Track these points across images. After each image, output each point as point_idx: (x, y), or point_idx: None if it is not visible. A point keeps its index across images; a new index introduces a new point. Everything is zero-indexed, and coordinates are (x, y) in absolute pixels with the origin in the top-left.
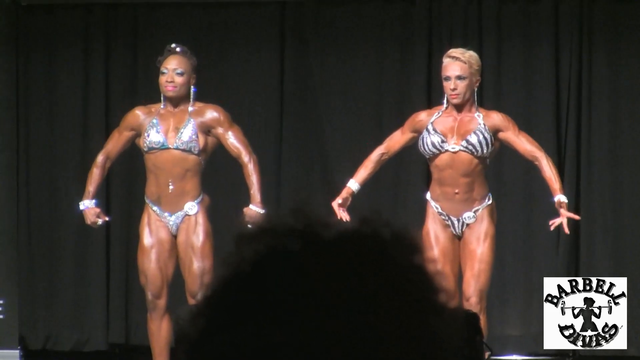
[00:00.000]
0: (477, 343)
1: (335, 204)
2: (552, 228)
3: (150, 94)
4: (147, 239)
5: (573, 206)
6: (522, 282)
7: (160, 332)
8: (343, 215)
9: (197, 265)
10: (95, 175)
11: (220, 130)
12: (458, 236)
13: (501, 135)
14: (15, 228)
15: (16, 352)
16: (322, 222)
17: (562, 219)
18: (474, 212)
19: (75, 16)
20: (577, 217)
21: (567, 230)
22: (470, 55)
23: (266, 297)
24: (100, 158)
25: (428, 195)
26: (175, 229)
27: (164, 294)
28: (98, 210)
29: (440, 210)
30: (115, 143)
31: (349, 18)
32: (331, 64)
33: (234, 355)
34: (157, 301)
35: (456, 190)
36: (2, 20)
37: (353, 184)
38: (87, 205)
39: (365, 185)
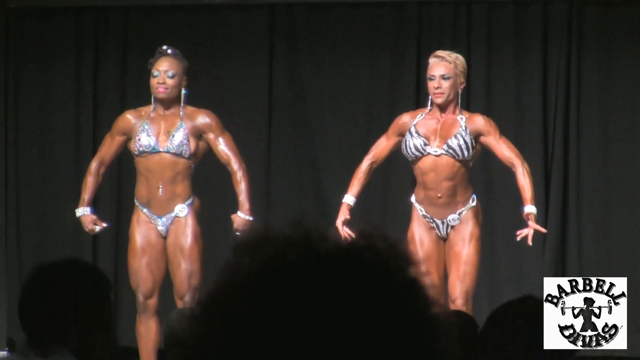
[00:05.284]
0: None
1: (339, 223)
2: (518, 239)
3: (140, 97)
4: (137, 241)
5: (560, 207)
6: (512, 284)
7: (149, 334)
8: (348, 233)
9: (185, 267)
10: (89, 183)
11: (211, 135)
12: (443, 238)
13: (482, 139)
14: (4, 231)
15: (4, 354)
16: (320, 234)
17: (529, 231)
18: (459, 214)
19: (65, 20)
20: (543, 230)
21: (530, 243)
22: (456, 57)
23: (263, 307)
24: (94, 165)
25: (413, 198)
26: (165, 231)
27: (155, 295)
28: (94, 217)
29: (424, 213)
30: (108, 148)
31: (338, 23)
32: (321, 69)
33: (218, 333)
34: (148, 302)
35: (439, 194)
36: None
37: (349, 199)
38: (83, 212)
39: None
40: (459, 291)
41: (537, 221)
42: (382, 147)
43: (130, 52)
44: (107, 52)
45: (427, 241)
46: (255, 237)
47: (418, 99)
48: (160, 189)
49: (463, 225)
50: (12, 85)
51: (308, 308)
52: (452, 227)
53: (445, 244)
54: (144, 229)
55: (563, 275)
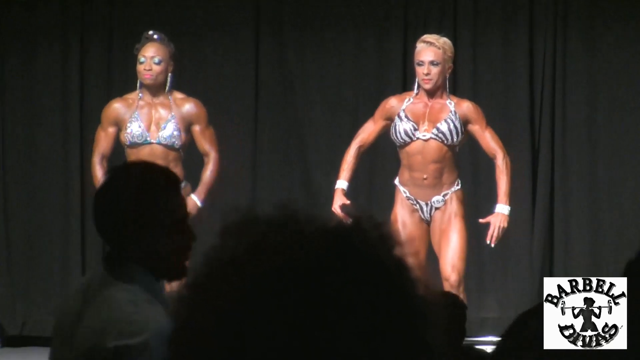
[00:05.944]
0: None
1: (336, 207)
2: (493, 245)
3: (126, 83)
4: None
5: (548, 197)
6: (499, 268)
7: None
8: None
9: None
10: (100, 176)
11: (197, 127)
12: (427, 221)
13: (469, 127)
14: None
15: None
16: (305, 216)
17: (492, 231)
18: (443, 196)
19: (51, 6)
20: (490, 236)
21: (493, 244)
22: (445, 41)
23: (249, 289)
24: (96, 160)
25: (397, 180)
26: None
27: None
28: None
29: (408, 194)
30: (104, 142)
31: (324, 6)
32: (306, 52)
33: (217, 345)
34: None
35: (425, 176)
36: None
37: (342, 184)
38: None
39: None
40: (451, 269)
41: (523, 215)
42: (369, 131)
43: (116, 38)
44: (93, 37)
45: (409, 223)
46: (241, 220)
47: (405, 82)
48: None
49: (447, 205)
50: None
51: (293, 290)
52: (436, 208)
53: (430, 227)
54: None
55: (550, 264)
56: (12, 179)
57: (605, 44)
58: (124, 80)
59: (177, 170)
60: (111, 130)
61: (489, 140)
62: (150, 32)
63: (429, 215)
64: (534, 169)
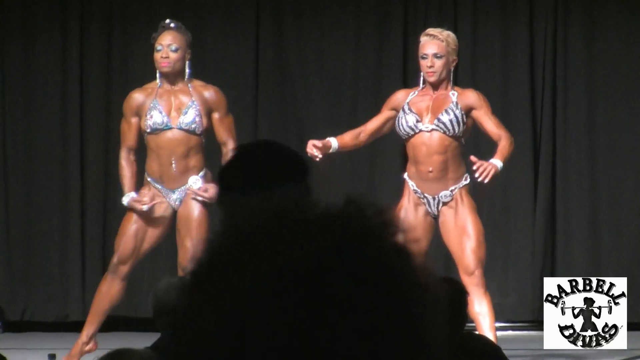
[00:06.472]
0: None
1: (310, 142)
2: (482, 177)
3: (125, 81)
4: (143, 207)
5: (550, 191)
6: (500, 257)
7: (108, 292)
8: (316, 153)
9: (194, 237)
10: (125, 172)
11: (216, 115)
12: (433, 215)
13: (473, 113)
14: None
15: None
16: (309, 202)
17: (485, 168)
18: (451, 191)
19: (50, 3)
20: (481, 171)
21: (485, 179)
22: (448, 34)
23: (248, 289)
24: (123, 154)
25: (405, 174)
26: (178, 203)
27: (129, 263)
28: (138, 197)
29: (415, 188)
30: (129, 134)
31: (324, 2)
32: (306, 43)
33: (217, 345)
34: (120, 267)
35: (430, 169)
36: None
37: (333, 141)
38: (128, 198)
39: (345, 167)
40: (475, 263)
41: (525, 212)
42: (373, 119)
43: (116, 37)
44: (93, 35)
45: (412, 215)
46: (245, 209)
47: (405, 81)
48: (173, 164)
49: (459, 201)
50: None
51: (294, 290)
52: (444, 203)
53: (436, 222)
54: (157, 202)
55: (553, 249)
56: (12, 166)
57: (605, 33)
58: (124, 80)
59: (199, 156)
60: (134, 120)
61: (493, 124)
62: (167, 21)
63: (436, 210)
64: (535, 167)
